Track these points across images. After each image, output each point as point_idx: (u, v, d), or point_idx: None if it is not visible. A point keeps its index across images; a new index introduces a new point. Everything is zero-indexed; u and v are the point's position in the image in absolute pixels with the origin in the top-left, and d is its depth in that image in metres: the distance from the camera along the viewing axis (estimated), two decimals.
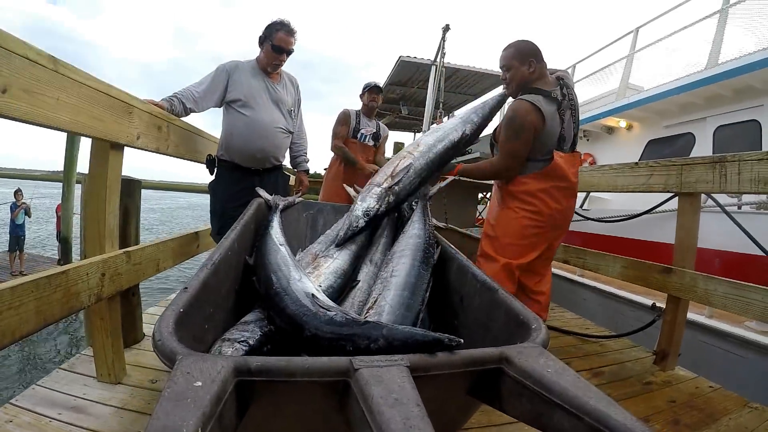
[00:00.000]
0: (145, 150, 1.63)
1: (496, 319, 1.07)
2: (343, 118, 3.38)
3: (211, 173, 2.33)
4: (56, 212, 9.19)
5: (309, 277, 1.25)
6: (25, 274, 7.59)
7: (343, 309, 1.02)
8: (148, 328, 2.04)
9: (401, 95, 6.14)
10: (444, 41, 3.88)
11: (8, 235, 8.25)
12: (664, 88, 4.93)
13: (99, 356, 1.49)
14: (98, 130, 1.31)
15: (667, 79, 5.01)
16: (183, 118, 2.09)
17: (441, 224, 3.37)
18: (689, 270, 2.07)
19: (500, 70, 1.96)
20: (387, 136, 3.62)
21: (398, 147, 9.73)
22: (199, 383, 0.53)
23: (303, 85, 2.59)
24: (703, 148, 4.61)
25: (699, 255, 2.16)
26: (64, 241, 8.48)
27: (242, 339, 0.95)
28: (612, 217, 4.09)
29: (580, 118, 6.89)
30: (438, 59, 4.02)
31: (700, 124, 4.71)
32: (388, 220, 1.84)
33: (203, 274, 0.92)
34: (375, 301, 1.20)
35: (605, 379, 2.04)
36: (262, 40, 2.30)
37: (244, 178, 2.29)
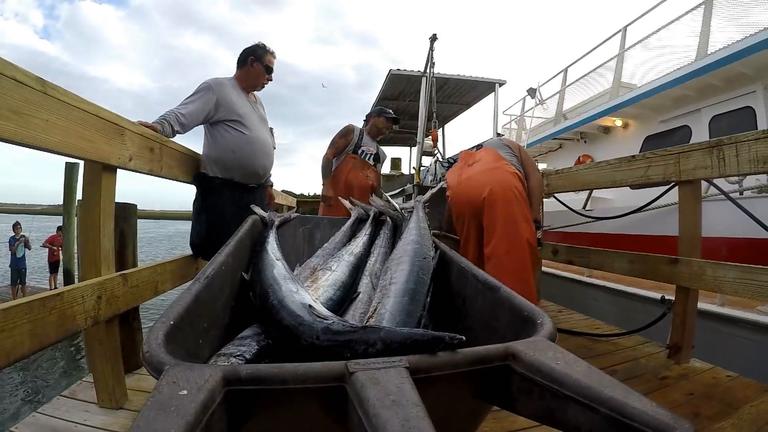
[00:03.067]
0: (139, 172, 1.62)
1: (501, 318, 1.03)
2: (346, 132, 3.34)
3: (205, 192, 2.27)
4: (46, 244, 9.33)
5: (307, 289, 1.22)
6: None
7: (341, 318, 0.99)
8: None
9: (395, 109, 6.18)
10: (432, 51, 3.92)
11: (9, 269, 8.29)
12: (656, 83, 4.96)
13: (99, 381, 1.45)
14: (89, 151, 1.29)
15: (658, 75, 5.04)
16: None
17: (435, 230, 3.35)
18: (696, 259, 2.03)
19: (491, 78, 2.38)
20: (385, 159, 3.67)
21: (395, 163, 9.77)
22: (185, 392, 0.50)
23: (298, 108, 2.67)
24: (699, 139, 4.57)
25: (705, 244, 2.12)
26: (66, 274, 8.55)
27: (238, 353, 0.91)
28: (615, 216, 4.05)
29: (577, 120, 6.87)
30: (428, 70, 4.05)
31: (695, 115, 4.73)
32: (387, 229, 1.82)
33: (196, 288, 0.90)
34: (375, 310, 1.16)
35: (619, 377, 1.93)
36: (250, 61, 2.37)
37: (243, 195, 2.32)
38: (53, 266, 9.22)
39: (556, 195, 3.41)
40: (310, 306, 1.02)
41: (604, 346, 2.45)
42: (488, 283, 1.12)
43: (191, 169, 2.20)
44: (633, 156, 2.40)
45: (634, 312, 3.45)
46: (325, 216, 2.11)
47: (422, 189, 4.25)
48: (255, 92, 2.55)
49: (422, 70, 4.46)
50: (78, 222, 1.49)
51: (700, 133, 4.61)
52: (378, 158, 3.47)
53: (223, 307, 1.09)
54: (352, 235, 1.83)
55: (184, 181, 2.15)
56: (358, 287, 1.46)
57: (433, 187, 4.01)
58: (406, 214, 1.85)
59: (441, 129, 4.36)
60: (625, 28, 5.87)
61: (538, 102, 8.26)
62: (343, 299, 1.38)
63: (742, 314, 2.76)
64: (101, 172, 1.40)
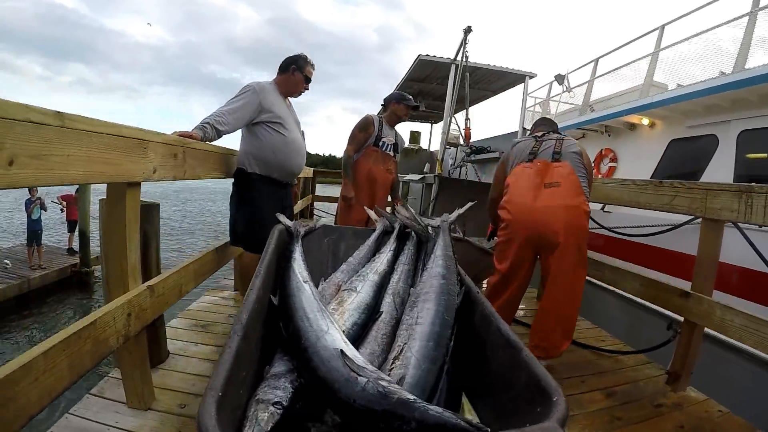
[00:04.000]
0: (163, 180, 1.64)
1: (518, 379, 1.06)
2: (365, 125, 3.24)
3: (244, 188, 2.43)
4: (59, 199, 9.51)
5: (335, 323, 1.27)
6: (44, 267, 7.95)
7: (374, 370, 1.04)
8: (170, 344, 2.11)
9: (419, 90, 6.05)
10: (466, 43, 3.80)
11: (26, 230, 8.50)
12: (689, 89, 4.81)
13: (128, 384, 1.55)
14: (113, 174, 1.29)
15: (693, 80, 4.88)
16: None
17: (457, 235, 3.35)
18: (707, 297, 2.06)
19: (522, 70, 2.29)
20: (403, 146, 3.63)
21: (414, 136, 9.66)
22: None
23: (316, 68, 2.72)
24: (725, 151, 4.51)
25: (721, 269, 2.15)
26: (81, 235, 8.76)
27: (276, 400, 0.98)
28: (634, 234, 4.03)
29: (603, 114, 6.72)
30: (460, 59, 3.93)
31: (723, 126, 4.60)
32: (411, 245, 1.86)
33: (235, 344, 0.94)
34: (401, 351, 1.22)
35: (618, 400, 2.08)
36: (291, 69, 2.49)
37: (279, 191, 2.54)
38: (71, 225, 9.38)
39: None
40: (342, 352, 1.07)
41: (607, 363, 2.53)
42: (511, 341, 1.15)
43: (215, 164, 2.25)
44: (661, 181, 2.39)
45: (641, 322, 3.51)
46: (350, 226, 2.13)
47: (444, 180, 4.22)
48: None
49: (452, 57, 4.34)
50: (101, 233, 1.45)
51: (727, 145, 4.50)
52: (397, 148, 3.43)
53: (256, 343, 1.15)
54: (376, 249, 1.87)
55: (206, 178, 2.20)
56: (380, 306, 1.52)
57: (461, 180, 3.96)
58: (431, 231, 1.88)
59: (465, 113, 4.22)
60: (662, 27, 5.62)
61: (565, 89, 8.05)
62: (366, 322, 1.44)
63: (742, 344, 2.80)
64: (125, 189, 1.41)
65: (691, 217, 2.52)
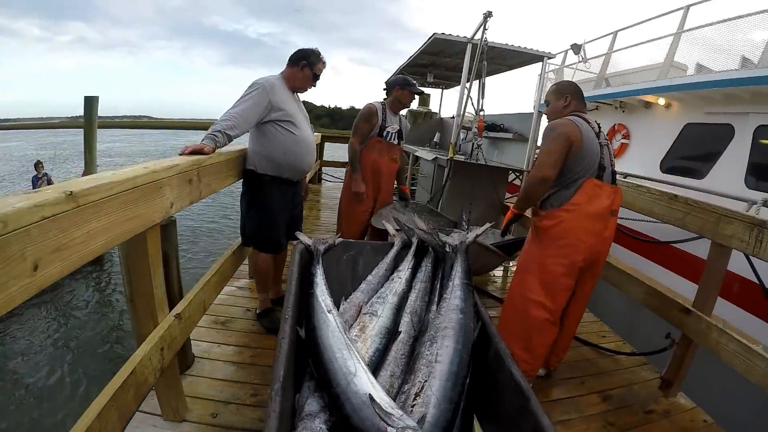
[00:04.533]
0: (179, 212, 1.66)
1: (525, 427, 1.14)
2: (368, 115, 3.11)
3: (255, 189, 2.43)
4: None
5: (362, 361, 1.34)
6: None
7: (400, 416, 1.13)
8: (194, 345, 2.23)
9: (431, 62, 5.84)
10: (486, 30, 3.65)
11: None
12: (711, 77, 4.68)
13: (162, 399, 1.65)
14: (133, 229, 1.25)
15: (716, 66, 4.73)
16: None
17: (462, 226, 3.34)
18: (706, 317, 2.14)
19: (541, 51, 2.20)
20: (408, 130, 3.57)
21: (424, 99, 9.41)
22: None
23: (320, 18, 2.68)
24: (740, 144, 4.48)
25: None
26: None
27: None
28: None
29: (619, 90, 6.56)
30: (479, 43, 3.78)
31: (741, 118, 4.53)
32: (428, 262, 1.92)
33: (277, 407, 1.03)
34: (422, 388, 1.32)
35: (613, 405, 2.22)
36: (301, 65, 2.40)
37: (289, 189, 2.53)
38: None
39: None
40: (371, 398, 1.17)
41: (605, 363, 2.66)
42: (522, 388, 1.23)
43: (229, 172, 2.25)
44: (676, 196, 2.40)
45: (643, 319, 3.61)
46: (367, 242, 2.17)
47: (458, 165, 4.16)
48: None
49: (467, 36, 4.18)
50: (123, 273, 1.43)
51: (742, 137, 4.46)
52: (401, 135, 3.34)
53: (292, 390, 1.24)
54: (395, 266, 1.93)
55: (224, 187, 2.22)
56: (399, 325, 1.63)
57: (475, 164, 3.89)
58: (448, 249, 1.94)
59: (479, 86, 4.08)
60: (687, 8, 5.36)
61: (581, 59, 7.77)
62: (387, 345, 1.55)
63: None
64: (146, 234, 1.38)
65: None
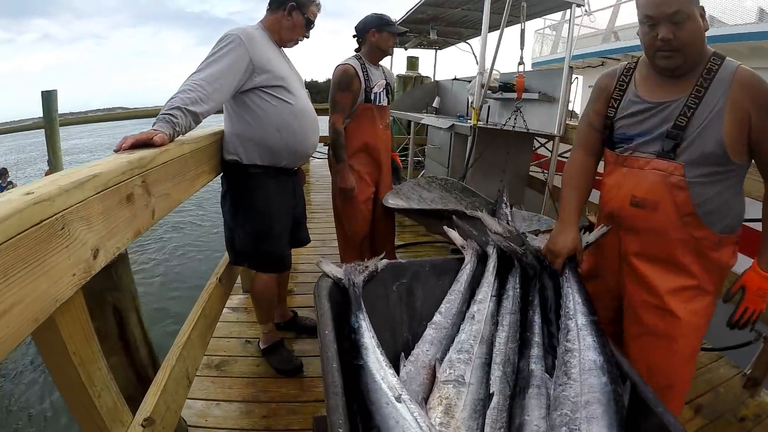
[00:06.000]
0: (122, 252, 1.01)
1: None
2: (346, 80, 2.25)
3: (241, 186, 1.73)
4: None
5: None
6: None
7: None
8: (185, 407, 1.59)
9: (432, 16, 5.05)
10: None
11: None
12: (743, 29, 4.17)
13: None
14: (30, 315, 0.63)
15: (743, 18, 4.23)
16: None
17: (503, 207, 2.77)
18: None
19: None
20: (395, 82, 2.84)
21: (412, 62, 8.59)
22: None
23: None
24: None
25: None
26: None
27: None
28: None
29: (631, 44, 5.97)
30: None
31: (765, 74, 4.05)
32: (513, 281, 1.33)
33: None
34: None
35: (706, 417, 1.87)
36: (289, 8, 1.70)
37: (288, 181, 1.87)
38: None
39: None
40: None
41: None
42: None
43: (200, 168, 1.52)
44: None
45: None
46: (425, 260, 1.49)
47: (484, 132, 3.53)
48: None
49: None
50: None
51: None
52: (390, 89, 2.50)
53: None
54: (471, 294, 1.33)
55: (194, 193, 1.52)
56: (490, 385, 1.09)
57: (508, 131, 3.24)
58: (529, 256, 1.35)
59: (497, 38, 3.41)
60: None
61: (585, 12, 7.11)
62: (483, 425, 1.01)
63: None
64: (54, 319, 0.74)
65: None
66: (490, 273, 1.33)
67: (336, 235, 2.67)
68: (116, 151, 1.13)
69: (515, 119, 3.27)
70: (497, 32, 4.44)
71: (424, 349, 1.18)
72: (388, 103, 2.51)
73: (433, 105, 6.03)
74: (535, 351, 1.19)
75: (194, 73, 1.46)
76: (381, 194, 2.57)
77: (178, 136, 1.32)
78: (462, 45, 6.42)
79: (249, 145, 1.67)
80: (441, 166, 4.41)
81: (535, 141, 4.23)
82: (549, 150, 4.27)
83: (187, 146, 1.36)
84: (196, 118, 1.38)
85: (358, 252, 2.58)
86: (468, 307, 1.28)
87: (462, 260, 1.39)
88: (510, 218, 2.79)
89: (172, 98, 1.36)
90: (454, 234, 1.45)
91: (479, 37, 5.70)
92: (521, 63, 3.24)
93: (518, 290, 1.32)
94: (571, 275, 1.25)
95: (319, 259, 1.28)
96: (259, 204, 1.73)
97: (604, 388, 0.98)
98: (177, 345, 1.28)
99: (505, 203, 2.85)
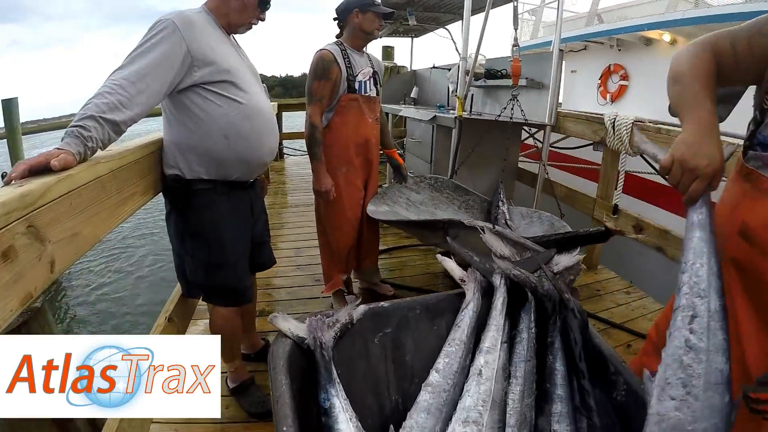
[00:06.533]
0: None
1: None
2: (324, 68, 1.99)
3: (186, 207, 1.42)
4: None
5: None
6: None
7: None
8: None
9: (409, 0, 4.74)
10: None
11: None
12: (733, 8, 3.98)
13: None
14: None
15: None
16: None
17: (499, 205, 2.52)
18: None
19: None
20: (383, 71, 2.54)
21: (388, 52, 8.24)
22: None
23: None
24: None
25: None
26: None
27: None
28: None
29: (616, 27, 5.74)
30: None
31: None
32: (526, 319, 1.07)
33: None
34: None
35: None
36: None
37: (244, 197, 1.55)
38: None
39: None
40: None
41: None
42: None
43: (130, 184, 1.21)
44: None
45: None
46: (411, 299, 1.19)
47: (469, 123, 3.27)
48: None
49: None
50: None
51: None
52: (378, 79, 2.21)
53: None
54: (476, 340, 1.07)
55: (116, 226, 1.20)
56: None
57: (501, 122, 3.02)
58: (544, 286, 1.09)
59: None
60: None
61: None
62: None
63: None
64: None
65: None
66: (498, 312, 1.07)
67: (318, 244, 2.37)
68: (6, 183, 0.83)
69: (512, 108, 3.00)
70: (480, 15, 4.20)
71: (419, 420, 0.92)
72: (378, 94, 2.22)
73: (411, 96, 5.74)
74: (558, 407, 0.95)
75: (116, 70, 1.15)
76: (369, 197, 2.31)
77: (93, 154, 1.02)
78: (440, 31, 6.15)
79: (191, 156, 1.36)
80: (422, 161, 4.13)
81: (523, 131, 4.00)
82: (539, 140, 4.05)
83: (105, 165, 1.05)
84: (117, 128, 1.07)
85: (345, 266, 2.30)
86: (473, 360, 1.02)
87: (462, 295, 1.12)
88: (508, 216, 2.57)
89: (85, 105, 1.05)
90: (450, 264, 1.17)
91: (459, 23, 5.42)
92: (516, 45, 2.96)
93: (533, 331, 1.07)
94: (705, 216, 0.81)
95: (274, 314, 0.98)
96: (208, 228, 1.42)
97: None
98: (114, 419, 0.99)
99: (502, 200, 2.62)
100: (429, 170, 3.73)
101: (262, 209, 1.70)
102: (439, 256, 1.24)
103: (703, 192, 0.80)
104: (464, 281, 1.14)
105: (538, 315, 1.09)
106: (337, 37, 2.15)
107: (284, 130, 7.13)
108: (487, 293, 1.13)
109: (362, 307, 1.04)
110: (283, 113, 7.09)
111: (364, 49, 2.19)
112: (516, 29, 3.01)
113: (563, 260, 1.18)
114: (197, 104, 1.32)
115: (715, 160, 0.77)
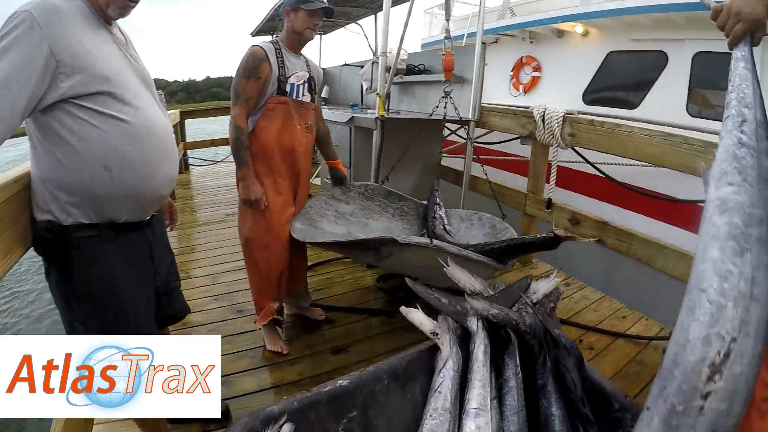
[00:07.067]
0: None
1: None
2: (253, 65, 1.82)
3: (65, 262, 1.04)
4: None
5: None
6: None
7: None
8: None
9: None
10: None
11: None
12: (640, 2, 4.23)
13: None
14: None
15: None
16: None
17: (435, 207, 2.35)
18: None
19: None
20: (321, 79, 2.31)
21: None
22: None
23: None
24: (677, 71, 4.16)
25: None
26: None
27: None
28: None
29: (529, 20, 5.90)
30: None
31: (676, 45, 4.21)
32: (512, 365, 0.89)
33: None
34: None
35: None
36: None
37: (139, 240, 1.18)
38: None
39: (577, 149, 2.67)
40: None
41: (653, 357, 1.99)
42: None
43: None
44: None
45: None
46: (383, 367, 0.91)
47: (390, 123, 3.06)
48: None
49: None
50: None
51: (680, 65, 4.15)
52: (313, 84, 2.04)
53: None
54: (460, 406, 0.86)
55: None
56: None
57: (433, 120, 2.87)
58: (532, 327, 0.91)
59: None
60: None
61: None
62: None
63: None
64: None
65: None
66: (481, 365, 0.88)
67: (243, 266, 2.07)
68: None
69: (445, 106, 2.83)
70: (399, 6, 4.02)
71: None
72: (312, 101, 2.02)
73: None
74: None
75: None
76: (298, 210, 2.07)
77: None
78: (352, 26, 5.91)
79: (64, 195, 1.00)
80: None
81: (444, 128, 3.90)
82: (461, 137, 3.98)
83: None
84: None
85: (277, 292, 1.98)
86: (461, 427, 0.81)
87: (433, 349, 0.91)
88: (446, 221, 2.41)
89: None
90: (418, 317, 0.95)
91: (371, 17, 5.16)
92: (448, 37, 2.80)
93: (521, 376, 0.89)
94: (748, 53, 0.93)
95: None
96: (97, 288, 1.06)
97: None
98: None
99: (438, 203, 2.46)
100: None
101: (165, 248, 1.33)
102: (403, 309, 1.00)
103: (744, 34, 0.92)
104: (436, 335, 0.92)
105: (522, 354, 0.92)
106: (275, 36, 2.06)
107: (189, 138, 6.51)
108: (462, 340, 0.93)
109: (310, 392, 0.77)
110: (186, 120, 6.36)
111: (302, 52, 2.01)
112: (448, 20, 2.87)
113: (541, 287, 1.01)
114: (67, 126, 0.96)
115: (757, 10, 0.91)
